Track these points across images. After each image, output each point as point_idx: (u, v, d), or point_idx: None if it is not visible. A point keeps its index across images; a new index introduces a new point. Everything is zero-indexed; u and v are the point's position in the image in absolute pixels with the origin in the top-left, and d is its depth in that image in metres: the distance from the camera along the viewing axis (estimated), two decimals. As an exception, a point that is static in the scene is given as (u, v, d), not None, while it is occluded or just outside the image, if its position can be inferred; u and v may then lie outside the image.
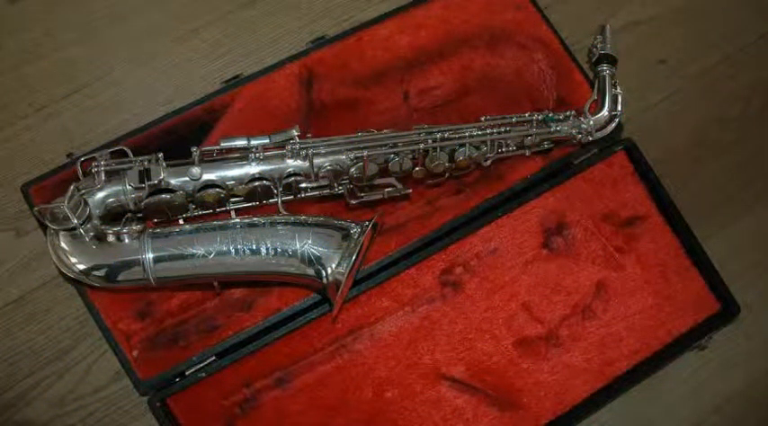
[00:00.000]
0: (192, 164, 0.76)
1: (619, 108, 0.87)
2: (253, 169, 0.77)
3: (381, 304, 0.86)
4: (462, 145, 0.83)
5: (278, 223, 0.75)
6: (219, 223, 0.75)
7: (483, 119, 0.85)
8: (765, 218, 1.08)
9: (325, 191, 0.80)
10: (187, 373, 0.81)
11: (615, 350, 0.89)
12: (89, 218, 0.73)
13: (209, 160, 0.77)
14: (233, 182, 0.77)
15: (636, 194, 0.93)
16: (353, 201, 0.81)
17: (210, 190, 0.76)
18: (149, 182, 0.74)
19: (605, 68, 0.87)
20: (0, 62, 0.95)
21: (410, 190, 0.82)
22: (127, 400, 0.90)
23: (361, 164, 0.79)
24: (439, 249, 0.87)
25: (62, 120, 0.95)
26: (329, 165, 0.79)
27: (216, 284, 0.80)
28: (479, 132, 0.84)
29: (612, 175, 0.93)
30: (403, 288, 0.87)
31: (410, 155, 0.81)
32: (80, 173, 0.77)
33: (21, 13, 0.97)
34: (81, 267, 0.72)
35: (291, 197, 0.80)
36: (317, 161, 0.78)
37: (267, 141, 0.77)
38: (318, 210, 0.87)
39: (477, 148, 0.84)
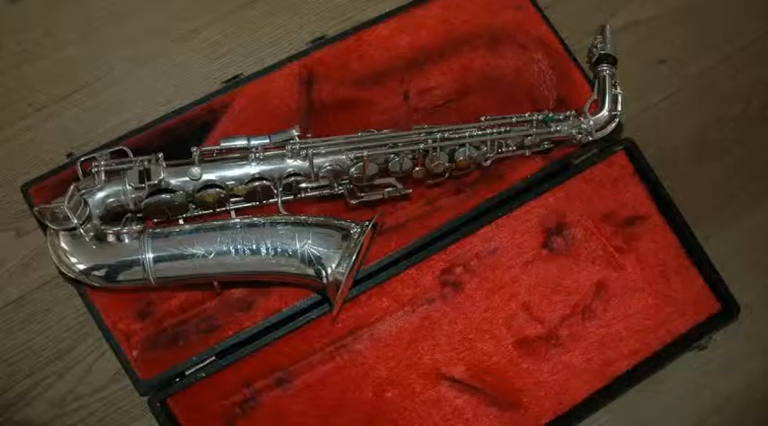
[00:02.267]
0: (192, 164, 0.76)
1: (619, 108, 0.87)
2: (253, 169, 0.77)
3: (381, 304, 0.86)
4: (462, 145, 0.83)
5: (278, 223, 0.75)
6: (219, 223, 0.75)
7: (483, 119, 0.85)
8: (765, 218, 1.08)
9: (325, 191, 0.80)
10: (187, 373, 0.81)
11: (615, 350, 0.89)
12: (89, 218, 0.73)
13: (209, 160, 0.77)
14: (233, 182, 0.77)
15: (636, 194, 0.93)
16: (353, 201, 0.81)
17: (210, 190, 0.76)
18: (149, 182, 0.74)
19: (605, 68, 0.87)
20: (0, 62, 0.95)
21: (410, 190, 0.82)
22: (127, 400, 0.90)
23: (361, 164, 0.79)
24: (439, 249, 0.87)
25: (62, 120, 0.95)
26: (329, 165, 0.79)
27: (216, 284, 0.80)
28: (479, 132, 0.84)
29: (612, 175, 0.93)
30: (403, 288, 0.87)
31: (410, 155, 0.81)
32: (80, 173, 0.77)
33: (21, 13, 0.97)
34: (81, 267, 0.72)
35: (291, 197, 0.80)
36: (317, 161, 0.78)
37: (267, 141, 0.77)
38: (318, 210, 0.87)
39: (477, 148, 0.84)
